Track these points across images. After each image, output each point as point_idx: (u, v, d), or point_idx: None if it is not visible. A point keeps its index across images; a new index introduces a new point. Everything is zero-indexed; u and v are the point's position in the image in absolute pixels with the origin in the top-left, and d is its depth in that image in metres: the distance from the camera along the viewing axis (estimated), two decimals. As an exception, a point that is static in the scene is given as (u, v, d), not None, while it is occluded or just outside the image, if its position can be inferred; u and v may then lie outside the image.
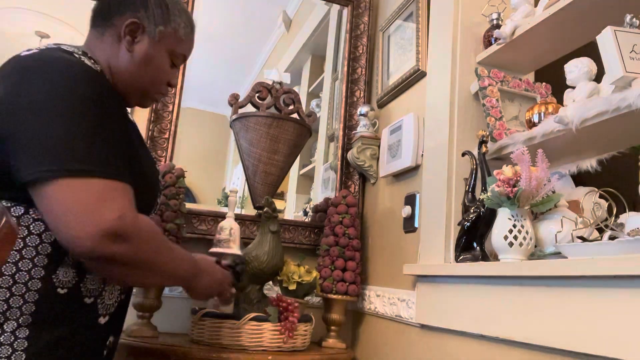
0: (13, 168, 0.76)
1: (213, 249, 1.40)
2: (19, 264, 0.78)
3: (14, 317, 0.78)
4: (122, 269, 0.81)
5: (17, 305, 0.78)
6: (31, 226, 0.80)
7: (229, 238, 1.36)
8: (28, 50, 0.86)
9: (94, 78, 0.83)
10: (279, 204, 1.63)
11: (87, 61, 0.87)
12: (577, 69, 1.01)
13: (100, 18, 0.97)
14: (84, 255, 0.76)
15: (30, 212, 0.80)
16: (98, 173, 0.76)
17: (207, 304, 1.36)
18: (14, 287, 0.78)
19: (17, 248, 0.78)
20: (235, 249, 1.37)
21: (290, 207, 2.00)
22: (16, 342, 0.77)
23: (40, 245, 0.80)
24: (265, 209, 1.40)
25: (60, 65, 0.82)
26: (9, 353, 0.76)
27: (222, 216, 1.48)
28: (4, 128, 0.77)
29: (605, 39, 0.90)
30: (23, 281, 0.78)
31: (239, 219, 1.60)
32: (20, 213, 0.80)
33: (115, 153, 0.81)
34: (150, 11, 0.96)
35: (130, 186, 0.81)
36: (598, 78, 1.00)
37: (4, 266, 0.77)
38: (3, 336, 0.76)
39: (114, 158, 0.80)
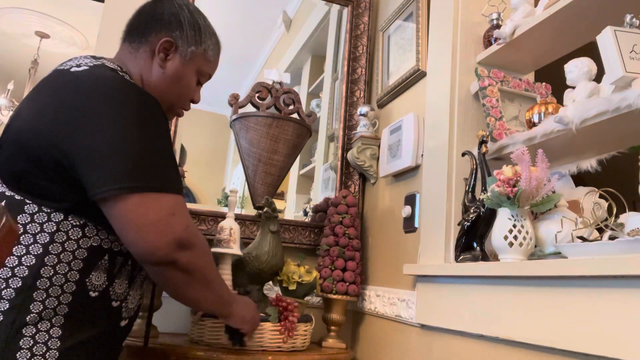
0: (85, 184, 0.81)
1: (213, 249, 1.40)
2: (57, 267, 0.83)
3: (48, 317, 0.82)
4: (181, 276, 0.87)
5: (52, 307, 0.82)
6: (70, 232, 0.84)
7: (229, 238, 1.36)
8: (78, 66, 0.89)
9: (149, 97, 0.89)
10: (279, 204, 1.63)
11: (127, 78, 0.93)
12: (577, 69, 1.01)
13: (137, 34, 1.01)
14: (155, 263, 0.83)
15: (69, 219, 0.85)
16: (167, 189, 0.83)
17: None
18: (50, 289, 0.82)
19: (56, 252, 0.83)
20: (235, 249, 1.37)
21: (290, 207, 2.00)
22: (50, 341, 0.81)
23: (78, 250, 0.85)
24: (265, 209, 1.40)
25: (120, 85, 0.88)
26: (43, 351, 0.81)
27: (222, 216, 1.48)
28: (63, 144, 0.81)
29: (605, 39, 0.90)
30: (59, 284, 0.83)
31: (239, 219, 1.60)
32: (59, 219, 0.84)
33: (175, 168, 0.88)
34: (184, 32, 1.01)
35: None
36: (598, 78, 1.00)
37: (42, 269, 0.82)
38: (38, 335, 0.81)
39: (175, 173, 0.87)
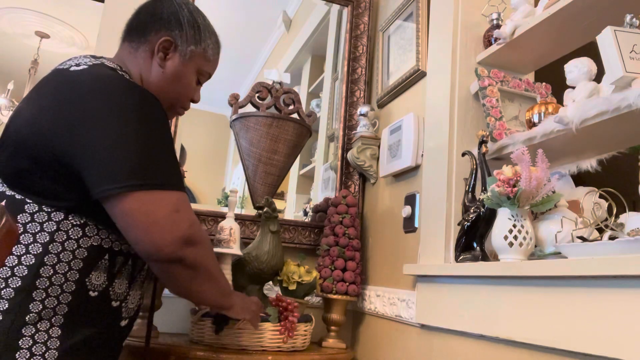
0: (87, 183, 0.81)
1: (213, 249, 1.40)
2: (57, 266, 0.82)
3: (47, 317, 0.81)
4: (187, 272, 0.87)
5: (52, 306, 0.82)
6: (70, 231, 0.84)
7: (229, 238, 1.36)
8: (77, 66, 0.89)
9: (149, 95, 0.88)
10: (279, 204, 1.63)
11: (127, 77, 0.92)
12: (577, 69, 1.01)
13: (136, 33, 1.01)
14: (162, 260, 0.83)
15: (70, 218, 0.84)
16: (170, 186, 0.83)
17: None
18: (50, 288, 0.82)
19: (56, 252, 0.83)
20: (235, 249, 1.37)
21: (290, 207, 2.00)
22: (50, 341, 0.81)
23: (78, 250, 0.84)
24: (265, 209, 1.40)
25: (119, 83, 0.87)
26: (42, 351, 0.80)
27: (222, 216, 1.48)
28: (64, 143, 0.81)
29: (605, 39, 0.90)
30: (59, 283, 0.82)
31: (239, 219, 1.60)
32: (60, 218, 0.84)
33: (177, 165, 0.88)
34: (184, 31, 1.01)
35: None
36: (598, 78, 1.00)
37: (42, 269, 0.81)
38: (37, 335, 0.80)
39: (177, 170, 0.87)
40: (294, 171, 2.00)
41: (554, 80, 1.34)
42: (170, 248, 0.81)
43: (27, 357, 0.79)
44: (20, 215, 0.82)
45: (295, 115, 1.73)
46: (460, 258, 1.13)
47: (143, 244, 0.80)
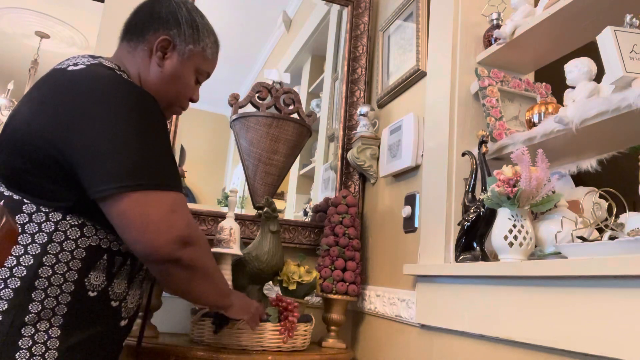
0: (84, 183, 0.81)
1: (213, 249, 1.40)
2: (55, 267, 0.82)
3: (47, 318, 0.82)
4: (184, 273, 0.87)
5: (51, 307, 0.82)
6: (68, 232, 0.84)
7: (229, 238, 1.36)
8: (75, 65, 0.89)
9: (146, 95, 0.88)
10: (279, 204, 1.63)
11: (125, 76, 0.92)
12: (577, 69, 1.01)
13: (134, 33, 1.01)
14: (159, 261, 0.83)
15: (68, 218, 0.84)
16: (167, 187, 0.83)
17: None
18: (49, 289, 0.82)
19: (54, 252, 0.83)
20: (235, 249, 1.37)
21: (290, 207, 2.00)
22: (49, 341, 0.81)
23: (76, 250, 0.84)
24: (265, 209, 1.40)
25: (117, 83, 0.87)
26: (42, 351, 0.80)
27: (222, 216, 1.48)
28: (61, 142, 0.81)
29: (605, 39, 0.90)
30: (58, 284, 0.82)
31: (239, 219, 1.60)
32: (58, 219, 0.84)
33: (174, 165, 0.88)
34: (182, 30, 1.01)
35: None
36: (598, 78, 1.00)
37: (41, 269, 0.81)
38: (37, 335, 0.80)
39: (174, 170, 0.87)
40: (294, 171, 2.00)
41: (554, 80, 1.34)
42: (167, 249, 0.81)
43: (26, 357, 0.79)
44: (19, 215, 0.82)
45: (295, 115, 1.73)
46: (460, 258, 1.13)
47: (139, 245, 0.80)
